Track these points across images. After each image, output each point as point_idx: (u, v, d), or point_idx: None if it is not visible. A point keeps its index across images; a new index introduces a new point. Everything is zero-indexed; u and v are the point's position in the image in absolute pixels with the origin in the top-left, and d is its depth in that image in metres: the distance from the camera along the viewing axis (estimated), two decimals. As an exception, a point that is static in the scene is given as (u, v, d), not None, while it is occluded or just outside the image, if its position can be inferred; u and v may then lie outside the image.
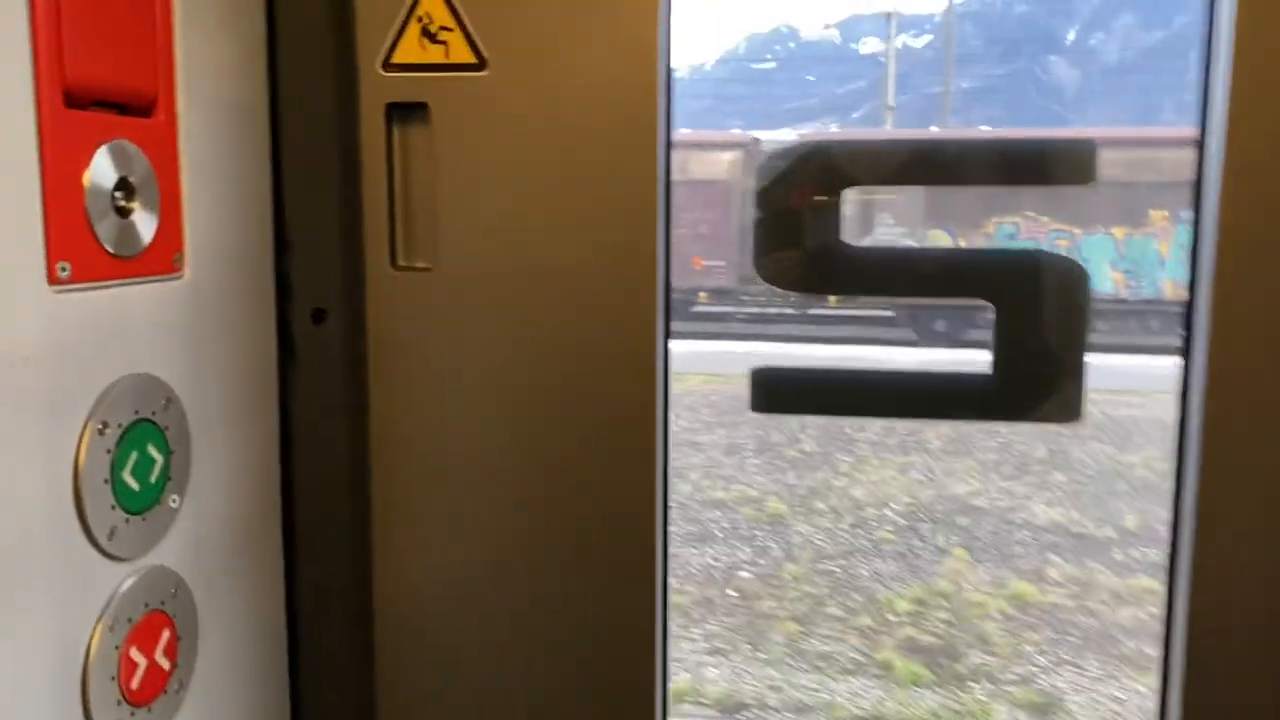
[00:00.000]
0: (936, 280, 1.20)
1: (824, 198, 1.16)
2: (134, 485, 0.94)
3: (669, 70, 1.19)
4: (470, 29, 1.19)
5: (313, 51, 1.16)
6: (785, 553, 5.87)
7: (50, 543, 0.86)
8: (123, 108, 0.93)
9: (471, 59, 1.19)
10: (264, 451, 1.16)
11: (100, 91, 0.90)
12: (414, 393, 1.26)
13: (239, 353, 1.11)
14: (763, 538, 6.07)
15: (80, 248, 0.87)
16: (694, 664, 4.62)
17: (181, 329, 1.01)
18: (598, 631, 1.25)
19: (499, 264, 1.22)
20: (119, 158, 0.91)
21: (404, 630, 1.29)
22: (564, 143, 1.19)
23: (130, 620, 0.94)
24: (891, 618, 5.08)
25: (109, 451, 0.91)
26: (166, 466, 0.98)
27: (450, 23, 1.19)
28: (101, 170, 0.89)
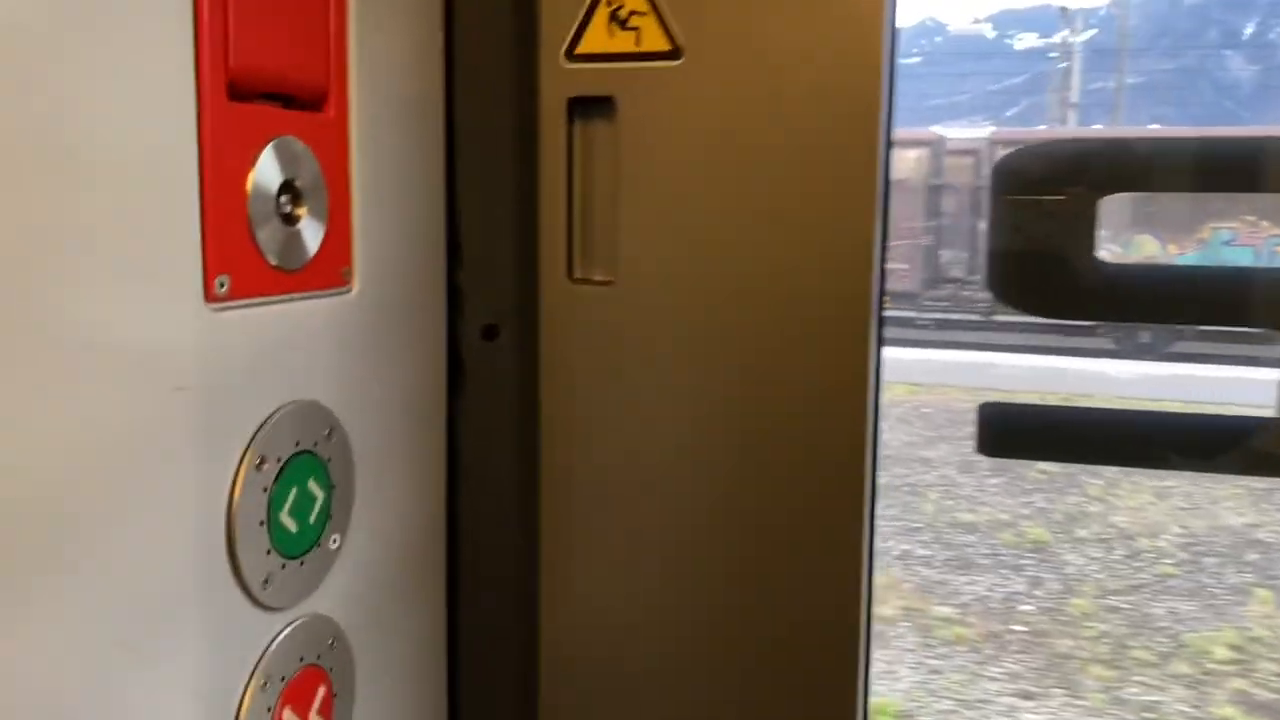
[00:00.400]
0: (1217, 304, 1.00)
1: (1078, 205, 0.98)
2: (292, 526, 0.83)
3: (894, 53, 1.02)
4: (665, 14, 1.05)
5: (493, 40, 1.04)
6: (1064, 585, 5.46)
7: (199, 594, 0.76)
8: (289, 100, 0.83)
9: (665, 46, 1.05)
10: (430, 481, 1.05)
11: (268, 82, 0.79)
12: (590, 416, 1.13)
13: (408, 374, 1.00)
14: (1031, 567, 5.67)
15: (241, 259, 0.77)
16: (1006, 706, 4.32)
17: (347, 349, 0.90)
18: (790, 670, 1.09)
19: (689, 276, 1.07)
20: (286, 157, 0.81)
21: (572, 678, 1.16)
22: (768, 139, 1.04)
23: (284, 678, 0.84)
24: (1211, 666, 4.62)
25: (266, 489, 0.80)
26: (328, 503, 0.88)
27: (643, 6, 1.06)
28: (266, 171, 0.79)
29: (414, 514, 1.02)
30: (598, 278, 1.13)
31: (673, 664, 1.12)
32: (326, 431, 0.87)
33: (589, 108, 1.10)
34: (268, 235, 0.79)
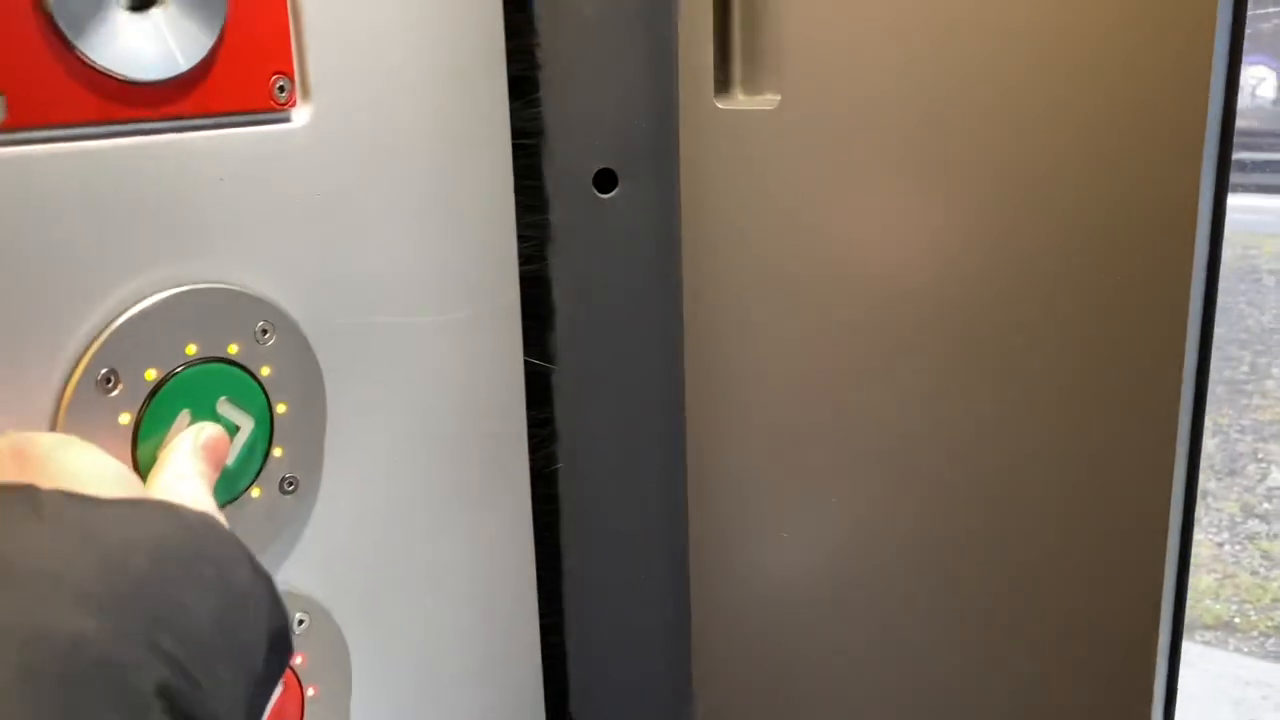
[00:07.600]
0: None
1: None
2: (187, 471, 0.56)
3: None
4: None
5: None
6: None
7: None
8: None
9: None
10: (487, 392, 0.74)
11: None
12: (749, 295, 0.76)
13: (438, 239, 0.68)
14: None
15: (30, 65, 0.48)
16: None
17: (295, 203, 0.60)
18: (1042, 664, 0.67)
19: (897, 93, 0.65)
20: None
21: (731, 682, 0.83)
22: None
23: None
24: None
25: (129, 418, 0.54)
26: (265, 436, 0.60)
27: None
28: (81, -80, 0.49)
29: (455, 439, 0.72)
30: (761, 96, 0.74)
31: (868, 646, 0.74)
32: (258, 328, 0.58)
33: None
34: (83, 25, 0.50)
